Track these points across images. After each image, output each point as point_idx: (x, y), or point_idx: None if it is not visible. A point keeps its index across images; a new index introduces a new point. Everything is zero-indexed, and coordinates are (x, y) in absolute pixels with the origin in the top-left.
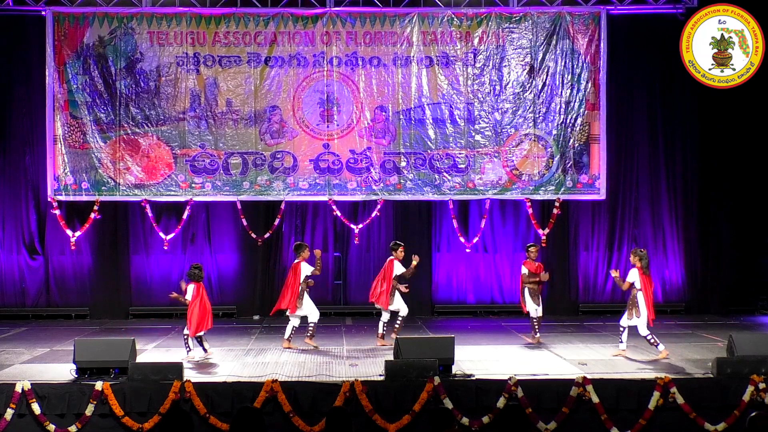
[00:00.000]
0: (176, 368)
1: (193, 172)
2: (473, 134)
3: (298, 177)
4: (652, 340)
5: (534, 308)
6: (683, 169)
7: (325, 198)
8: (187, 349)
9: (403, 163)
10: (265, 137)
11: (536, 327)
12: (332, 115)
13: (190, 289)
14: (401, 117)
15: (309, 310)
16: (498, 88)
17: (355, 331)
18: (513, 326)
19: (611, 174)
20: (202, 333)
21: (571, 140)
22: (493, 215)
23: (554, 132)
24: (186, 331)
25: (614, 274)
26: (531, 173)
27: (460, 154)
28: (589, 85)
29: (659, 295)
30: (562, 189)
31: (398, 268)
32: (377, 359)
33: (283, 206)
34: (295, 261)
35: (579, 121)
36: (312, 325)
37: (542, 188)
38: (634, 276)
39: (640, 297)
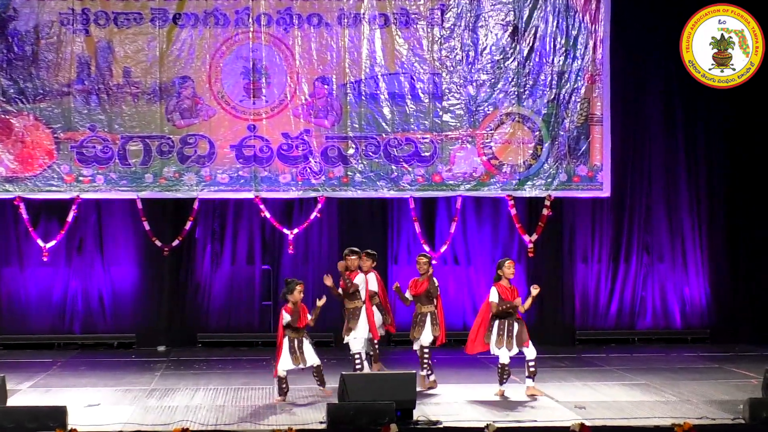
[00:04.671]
0: (58, 413)
1: (81, 161)
2: (440, 113)
3: (216, 168)
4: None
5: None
6: (708, 160)
7: (250, 195)
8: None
9: (351, 150)
10: (173, 117)
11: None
12: (260, 89)
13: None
14: (348, 91)
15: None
16: (472, 54)
17: None
18: (491, 360)
19: (617, 165)
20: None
21: (566, 121)
22: (466, 217)
23: (544, 111)
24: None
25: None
26: (514, 163)
27: (423, 138)
28: (589, 51)
29: (677, 320)
30: (555, 183)
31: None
32: (317, 402)
33: (196, 205)
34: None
35: (575, 96)
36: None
37: (529, 182)
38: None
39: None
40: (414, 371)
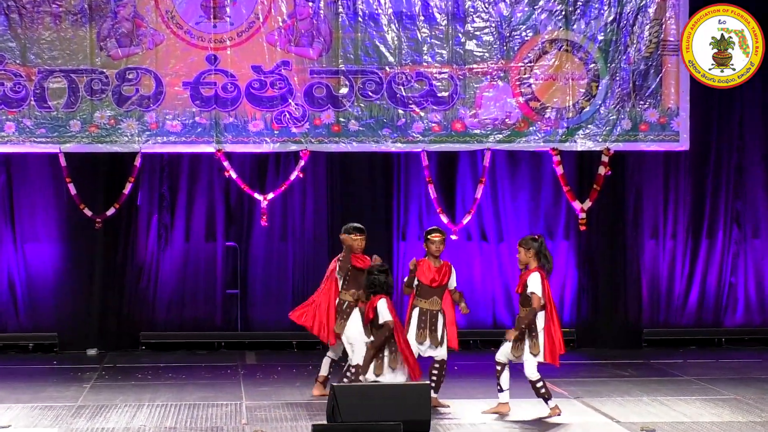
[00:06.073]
0: None
1: None
2: (462, 40)
3: (165, 112)
4: (543, 390)
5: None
6: None
7: (210, 148)
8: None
9: (344, 89)
10: (107, 44)
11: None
12: (222, 7)
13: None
14: (341, 10)
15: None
16: None
17: (262, 374)
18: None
19: (698, 109)
20: None
21: (630, 50)
22: (496, 178)
23: (600, 36)
24: None
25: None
26: (561, 106)
27: (440, 73)
28: None
29: None
30: (615, 133)
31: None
32: (299, 422)
33: (138, 162)
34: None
35: (643, 17)
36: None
37: (580, 132)
38: (536, 283)
39: (540, 319)
40: (428, 382)
